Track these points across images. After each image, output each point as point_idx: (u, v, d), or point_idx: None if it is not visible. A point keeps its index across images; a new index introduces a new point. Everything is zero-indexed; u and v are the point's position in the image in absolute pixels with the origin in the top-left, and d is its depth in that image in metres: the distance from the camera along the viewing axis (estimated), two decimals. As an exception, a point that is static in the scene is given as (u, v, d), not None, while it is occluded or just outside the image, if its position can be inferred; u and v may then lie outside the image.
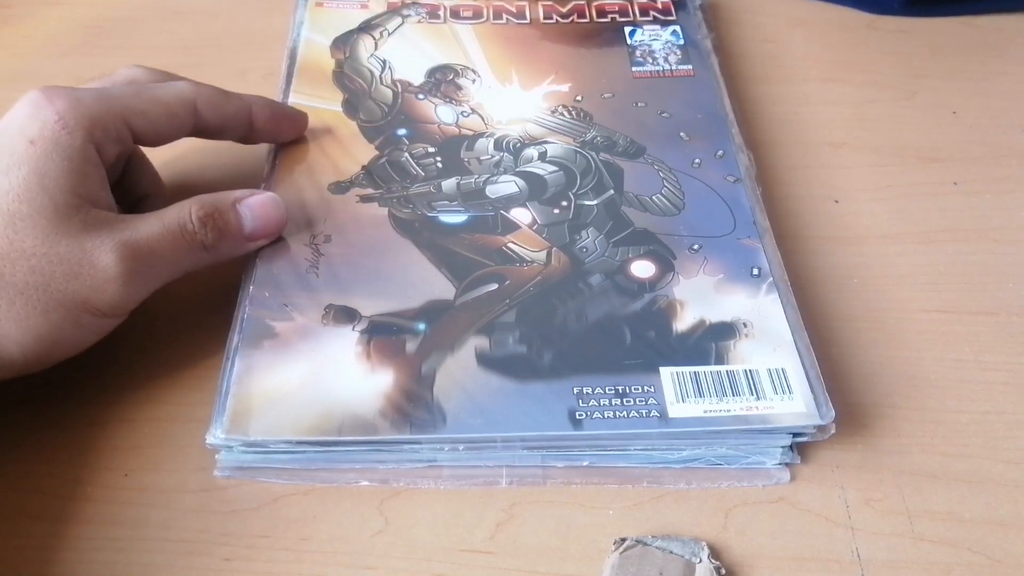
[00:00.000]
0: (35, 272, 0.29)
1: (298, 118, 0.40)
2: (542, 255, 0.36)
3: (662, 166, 0.40)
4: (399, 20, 0.48)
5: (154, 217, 0.32)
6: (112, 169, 0.34)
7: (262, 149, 0.41)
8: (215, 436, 0.30)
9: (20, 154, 0.30)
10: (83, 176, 0.31)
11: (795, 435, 0.32)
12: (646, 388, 0.32)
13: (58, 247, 0.29)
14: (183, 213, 0.32)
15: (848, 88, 0.49)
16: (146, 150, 0.38)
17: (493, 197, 0.39)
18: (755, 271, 0.36)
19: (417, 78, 0.45)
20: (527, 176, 0.40)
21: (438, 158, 0.41)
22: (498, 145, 0.41)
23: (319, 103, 0.43)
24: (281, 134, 0.40)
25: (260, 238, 0.35)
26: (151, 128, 0.33)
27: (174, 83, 0.35)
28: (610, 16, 0.50)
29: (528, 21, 0.49)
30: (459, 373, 0.32)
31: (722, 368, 0.32)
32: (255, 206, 0.35)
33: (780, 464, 0.32)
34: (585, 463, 0.32)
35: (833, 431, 0.31)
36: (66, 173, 0.30)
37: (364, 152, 0.41)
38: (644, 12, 0.50)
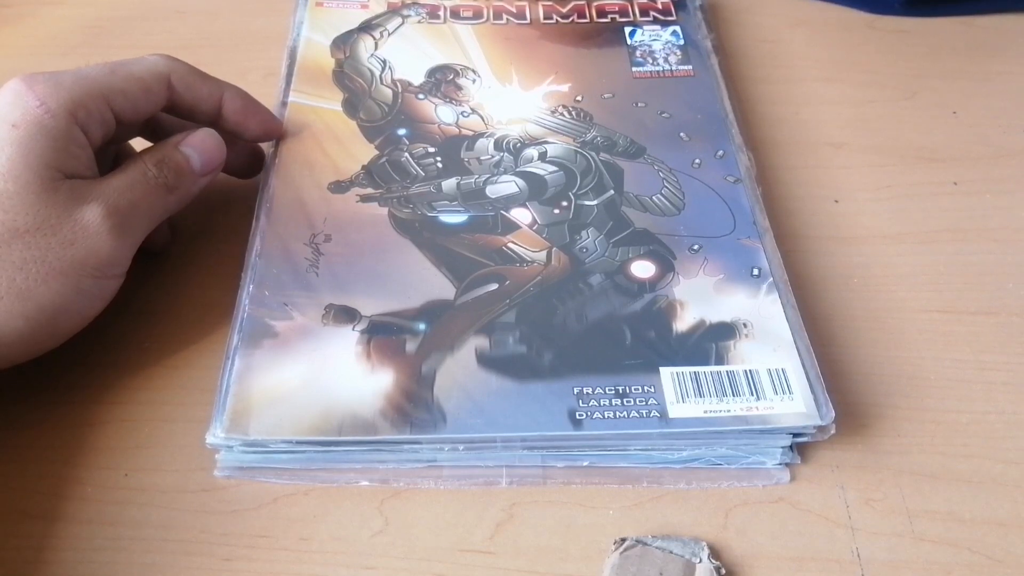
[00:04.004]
0: (31, 247, 0.30)
1: (269, 119, 0.40)
2: (542, 255, 0.36)
3: (662, 166, 0.40)
4: (399, 20, 0.48)
5: (119, 173, 0.33)
6: (101, 155, 0.34)
7: (263, 148, 0.41)
8: (215, 436, 0.30)
9: (3, 138, 0.30)
10: (68, 155, 0.31)
11: (795, 435, 0.32)
12: (646, 388, 0.32)
13: (50, 220, 0.30)
14: (139, 164, 0.34)
15: (848, 88, 0.49)
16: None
17: (493, 197, 0.39)
18: (755, 271, 0.36)
19: (417, 78, 0.45)
20: (527, 176, 0.40)
21: (438, 158, 0.41)
22: (498, 145, 0.41)
23: (319, 102, 0.43)
24: (248, 129, 0.38)
25: (209, 171, 0.36)
26: (130, 106, 0.34)
27: (147, 57, 0.35)
28: (610, 16, 0.50)
29: (528, 21, 0.49)
30: (459, 373, 0.32)
31: (722, 368, 0.32)
32: (195, 143, 0.35)
33: (780, 464, 0.32)
34: (585, 463, 0.32)
35: (833, 431, 0.31)
36: (50, 151, 0.31)
37: (364, 152, 0.41)
38: (644, 12, 0.50)
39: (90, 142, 0.32)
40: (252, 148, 0.41)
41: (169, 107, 0.36)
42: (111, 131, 0.33)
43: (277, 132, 0.40)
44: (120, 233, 0.32)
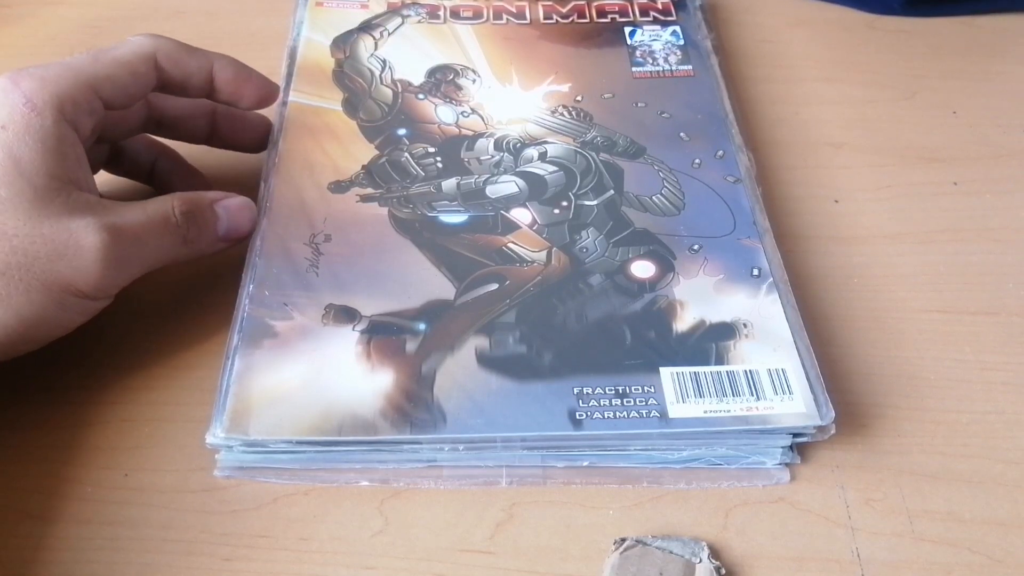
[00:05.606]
0: (17, 253, 0.29)
1: (263, 84, 0.38)
2: (542, 255, 0.36)
3: (662, 166, 0.40)
4: (399, 20, 0.48)
5: (137, 206, 0.32)
6: (93, 145, 0.34)
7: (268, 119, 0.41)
8: (215, 436, 0.30)
9: None
10: (60, 156, 0.30)
11: (795, 435, 0.32)
12: (646, 388, 0.32)
13: (41, 228, 0.29)
14: (166, 206, 0.33)
15: (848, 88, 0.49)
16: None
17: (493, 197, 0.39)
18: (755, 271, 0.36)
19: (417, 78, 0.45)
20: (527, 176, 0.40)
21: (438, 158, 0.41)
22: (498, 145, 0.41)
23: (319, 102, 0.43)
24: (243, 97, 0.37)
25: (230, 240, 0.36)
26: (120, 91, 0.33)
27: (131, 39, 0.34)
28: (610, 16, 0.50)
29: (528, 21, 0.49)
30: (459, 373, 0.32)
31: (722, 368, 0.32)
32: (231, 208, 0.35)
33: (780, 464, 0.32)
34: (585, 463, 0.32)
35: (833, 431, 0.31)
36: (42, 155, 0.30)
37: (364, 152, 0.41)
38: (644, 12, 0.50)
39: (80, 136, 0.32)
40: (257, 121, 0.41)
41: (160, 86, 0.35)
42: (101, 120, 0.33)
43: (273, 96, 0.39)
44: (116, 265, 0.31)
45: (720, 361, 0.33)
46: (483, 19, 0.49)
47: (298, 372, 0.32)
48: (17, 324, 0.29)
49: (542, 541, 0.30)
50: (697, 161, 0.41)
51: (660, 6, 0.50)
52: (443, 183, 0.39)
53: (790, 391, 0.32)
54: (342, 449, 0.31)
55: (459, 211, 0.38)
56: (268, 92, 0.39)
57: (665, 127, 0.43)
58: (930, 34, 0.53)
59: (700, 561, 0.29)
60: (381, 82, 0.44)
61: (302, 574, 0.29)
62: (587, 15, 0.50)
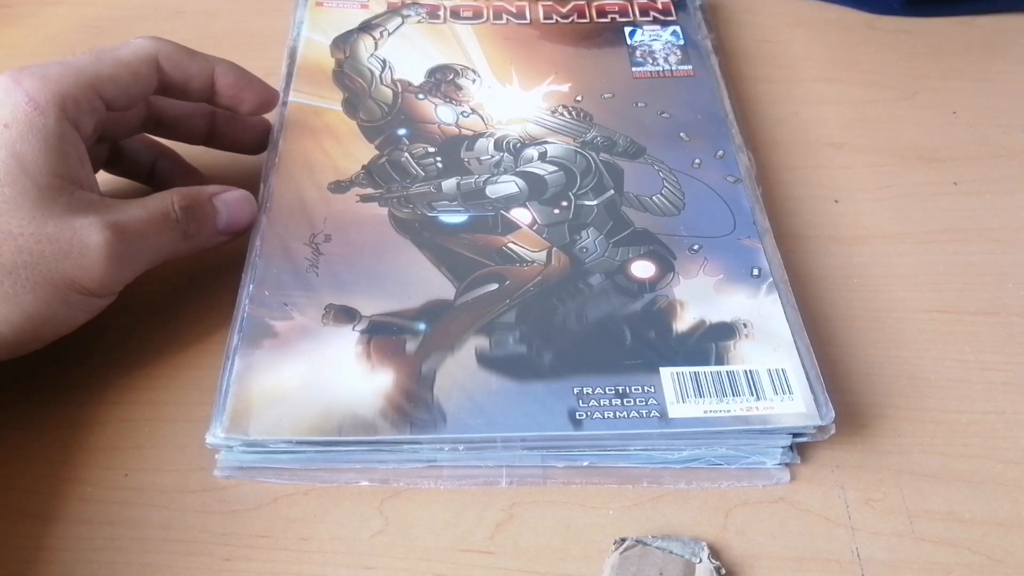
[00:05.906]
0: (23, 252, 0.29)
1: (263, 89, 0.38)
2: (542, 255, 0.36)
3: (662, 166, 0.40)
4: (399, 20, 0.48)
5: (138, 203, 0.32)
6: (94, 144, 0.34)
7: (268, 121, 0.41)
8: (215, 436, 0.30)
9: None
10: (62, 155, 0.31)
11: (795, 435, 0.32)
12: (646, 388, 0.32)
13: (46, 227, 0.29)
14: (166, 202, 0.33)
15: (848, 88, 0.49)
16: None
17: (493, 197, 0.39)
18: (755, 271, 0.36)
19: (417, 78, 0.45)
20: (527, 176, 0.40)
21: (438, 158, 0.41)
22: (498, 145, 0.41)
23: (319, 102, 0.43)
24: (243, 102, 0.38)
25: (231, 233, 0.36)
26: (121, 92, 0.33)
27: (133, 41, 0.34)
28: (610, 16, 0.50)
29: (528, 21, 0.49)
30: (459, 373, 0.32)
31: (722, 368, 0.32)
32: (230, 202, 0.35)
33: (780, 464, 0.32)
34: (585, 463, 0.32)
35: (833, 431, 0.31)
36: (44, 154, 0.30)
37: (364, 152, 0.41)
38: (644, 12, 0.50)
39: (81, 135, 0.32)
40: (256, 122, 0.41)
41: (161, 88, 0.35)
42: (102, 119, 0.33)
43: (273, 103, 0.39)
44: (119, 261, 0.31)
45: (720, 361, 0.33)
46: (483, 19, 0.49)
47: (298, 372, 0.32)
48: (24, 322, 0.30)
49: (542, 541, 0.30)
50: (697, 161, 0.41)
51: (660, 6, 0.50)
52: (443, 183, 0.39)
53: (790, 391, 0.32)
54: (342, 449, 0.31)
55: (459, 211, 0.38)
56: (268, 98, 0.39)
57: (665, 127, 0.43)
58: (930, 34, 0.53)
59: (700, 561, 0.29)
60: (381, 82, 0.44)
61: (302, 574, 0.29)
62: (587, 15, 0.50)
